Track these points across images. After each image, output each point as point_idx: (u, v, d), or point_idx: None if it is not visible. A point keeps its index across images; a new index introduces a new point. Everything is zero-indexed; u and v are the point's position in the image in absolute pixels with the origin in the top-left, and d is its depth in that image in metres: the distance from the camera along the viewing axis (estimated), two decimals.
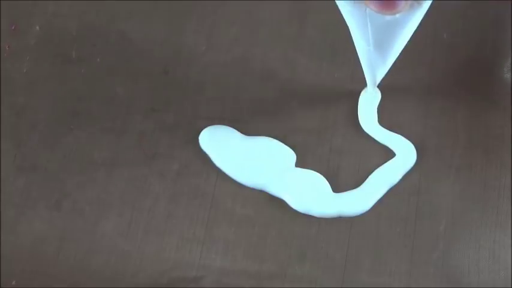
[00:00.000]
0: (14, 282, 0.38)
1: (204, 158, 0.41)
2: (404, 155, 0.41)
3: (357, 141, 0.42)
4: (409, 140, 0.41)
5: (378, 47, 0.33)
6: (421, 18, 0.30)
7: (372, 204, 0.40)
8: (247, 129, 0.42)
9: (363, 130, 0.42)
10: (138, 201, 0.40)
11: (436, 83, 0.43)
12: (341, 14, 0.31)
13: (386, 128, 0.42)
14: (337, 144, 0.42)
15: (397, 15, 0.29)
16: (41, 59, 0.45)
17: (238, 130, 0.42)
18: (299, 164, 0.41)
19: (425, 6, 0.29)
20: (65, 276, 0.38)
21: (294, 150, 0.42)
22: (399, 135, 0.42)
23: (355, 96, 0.43)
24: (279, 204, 0.40)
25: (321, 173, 0.41)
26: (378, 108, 0.43)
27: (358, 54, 0.36)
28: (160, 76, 0.44)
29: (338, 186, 0.40)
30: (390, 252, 0.39)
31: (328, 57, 0.44)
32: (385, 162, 0.41)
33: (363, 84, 0.43)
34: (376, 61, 0.36)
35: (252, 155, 0.41)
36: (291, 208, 0.40)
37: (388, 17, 0.29)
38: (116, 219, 0.40)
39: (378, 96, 0.43)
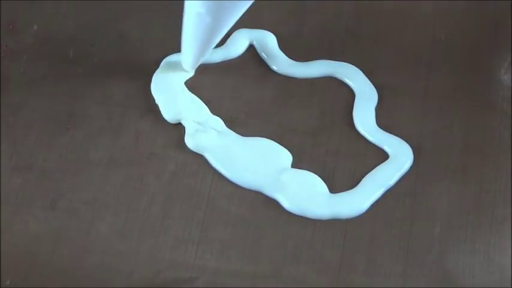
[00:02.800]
0: (8, 282, 0.38)
1: (200, 159, 0.41)
2: (400, 156, 0.41)
3: (353, 143, 0.42)
4: (405, 141, 0.41)
5: (213, 13, 0.33)
6: None
7: (367, 206, 0.39)
8: (244, 129, 0.42)
9: (360, 131, 0.42)
10: (134, 202, 0.40)
11: (433, 84, 0.43)
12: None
13: (383, 129, 0.42)
14: (334, 146, 0.42)
15: None
16: (38, 58, 0.45)
17: (234, 131, 0.42)
18: (295, 165, 0.41)
19: None
20: (59, 276, 0.38)
21: (290, 151, 0.42)
22: (395, 137, 0.41)
23: (353, 97, 0.43)
24: (275, 205, 0.40)
25: (317, 174, 0.41)
26: (375, 110, 0.43)
27: (185, 22, 0.35)
28: None
29: (334, 188, 0.40)
30: (385, 253, 0.39)
31: (326, 58, 0.44)
32: (381, 163, 0.41)
33: (362, 85, 0.43)
34: (207, 30, 0.35)
35: (248, 155, 0.41)
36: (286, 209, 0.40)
37: None
38: (112, 219, 0.40)
39: (375, 97, 0.43)
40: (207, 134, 0.41)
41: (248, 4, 0.31)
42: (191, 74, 0.43)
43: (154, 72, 0.44)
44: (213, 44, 0.36)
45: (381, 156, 0.41)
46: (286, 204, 0.40)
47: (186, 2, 0.33)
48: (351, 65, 0.44)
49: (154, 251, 0.39)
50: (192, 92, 0.43)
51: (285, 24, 0.44)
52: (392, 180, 0.40)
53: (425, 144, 0.41)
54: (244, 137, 0.42)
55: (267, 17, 0.45)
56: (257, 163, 0.41)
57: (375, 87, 0.43)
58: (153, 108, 0.43)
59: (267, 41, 0.45)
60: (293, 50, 0.45)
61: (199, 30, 0.35)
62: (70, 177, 0.41)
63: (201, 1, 0.31)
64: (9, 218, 0.40)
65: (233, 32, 0.45)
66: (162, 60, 0.44)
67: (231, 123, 0.42)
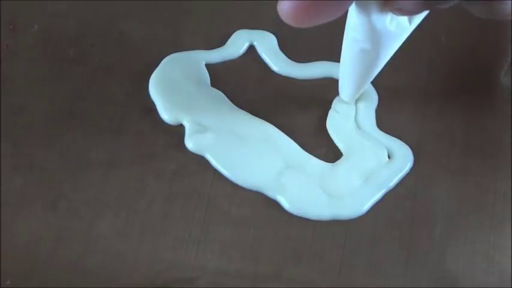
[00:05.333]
0: (8, 282, 0.38)
1: (201, 159, 0.41)
2: (400, 158, 0.41)
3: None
4: (405, 143, 0.41)
5: (379, 47, 0.32)
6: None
7: (367, 208, 0.40)
8: None
9: (360, 132, 0.42)
10: (134, 202, 0.40)
11: (434, 86, 0.44)
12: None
13: (383, 131, 0.42)
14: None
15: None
16: (39, 58, 0.45)
17: None
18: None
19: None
20: (60, 276, 0.38)
21: None
22: (395, 138, 0.42)
23: None
24: (275, 205, 0.40)
25: None
26: (375, 111, 0.43)
27: (344, 57, 0.35)
28: None
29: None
30: (385, 255, 0.39)
31: (327, 59, 0.44)
32: (381, 165, 0.41)
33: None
34: (371, 64, 0.35)
35: (249, 156, 0.41)
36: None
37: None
38: (112, 219, 0.40)
39: (375, 98, 0.43)
40: (206, 134, 0.41)
41: (414, 27, 0.31)
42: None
43: (153, 72, 0.44)
44: (375, 74, 0.36)
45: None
46: (286, 205, 0.40)
47: (346, 38, 0.33)
48: None
49: (155, 251, 0.39)
50: None
51: (286, 25, 0.44)
52: (392, 182, 0.40)
53: (426, 146, 0.42)
54: (245, 137, 0.42)
55: (267, 17, 0.45)
56: (257, 163, 0.41)
57: (375, 88, 0.43)
58: (153, 108, 0.43)
59: (268, 42, 0.45)
60: (293, 50, 0.45)
61: (363, 65, 0.34)
62: (70, 177, 0.41)
63: (367, 37, 0.31)
64: (9, 218, 0.40)
65: (233, 32, 0.45)
66: (162, 60, 0.44)
67: None
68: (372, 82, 0.43)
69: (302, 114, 0.43)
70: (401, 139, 0.42)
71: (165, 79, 0.43)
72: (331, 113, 0.42)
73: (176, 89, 0.43)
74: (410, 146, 0.41)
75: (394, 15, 0.29)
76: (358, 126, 0.42)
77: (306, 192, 0.40)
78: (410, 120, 0.42)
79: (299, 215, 0.40)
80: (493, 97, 0.43)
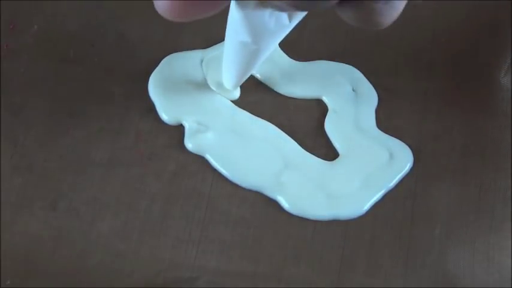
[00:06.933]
0: (8, 282, 0.38)
1: (200, 159, 0.41)
2: (400, 158, 0.41)
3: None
4: (405, 143, 0.41)
5: (259, 41, 0.33)
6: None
7: (367, 208, 0.40)
8: None
9: (360, 133, 0.42)
10: (134, 202, 0.40)
11: (433, 86, 0.44)
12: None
13: (383, 131, 0.42)
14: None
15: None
16: (38, 58, 0.45)
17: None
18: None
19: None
20: (60, 276, 0.38)
21: None
22: (395, 138, 0.42)
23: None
24: (275, 205, 0.40)
25: None
26: (375, 112, 0.43)
27: (228, 46, 0.35)
28: None
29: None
30: (385, 254, 0.39)
31: (327, 59, 0.44)
32: (381, 165, 0.41)
33: (361, 86, 0.43)
34: (252, 56, 0.35)
35: (249, 156, 0.41)
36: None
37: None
38: (112, 220, 0.40)
39: (375, 99, 0.43)
40: (206, 134, 0.41)
41: (295, 24, 0.31)
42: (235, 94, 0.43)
43: (152, 72, 0.44)
44: (257, 65, 0.36)
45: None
46: (286, 205, 0.40)
47: (228, 28, 0.33)
48: (350, 66, 0.44)
49: (155, 251, 0.39)
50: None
51: None
52: (392, 182, 0.40)
53: (425, 146, 0.42)
54: (245, 137, 0.42)
55: None
56: (257, 163, 0.41)
57: (375, 88, 0.43)
58: (153, 108, 0.43)
59: None
60: (293, 51, 0.45)
61: (243, 56, 0.35)
62: (70, 177, 0.41)
63: (247, 31, 0.31)
64: (9, 218, 0.40)
65: None
66: (162, 60, 0.44)
67: None
68: (371, 82, 0.43)
69: (302, 114, 0.43)
70: (401, 139, 0.42)
71: (164, 79, 0.43)
72: (330, 113, 0.42)
73: (176, 89, 0.43)
74: (410, 146, 0.41)
75: (273, 12, 0.29)
76: (357, 126, 0.42)
77: (305, 192, 0.40)
78: (410, 120, 0.42)
79: (299, 215, 0.40)
80: (493, 97, 0.43)
